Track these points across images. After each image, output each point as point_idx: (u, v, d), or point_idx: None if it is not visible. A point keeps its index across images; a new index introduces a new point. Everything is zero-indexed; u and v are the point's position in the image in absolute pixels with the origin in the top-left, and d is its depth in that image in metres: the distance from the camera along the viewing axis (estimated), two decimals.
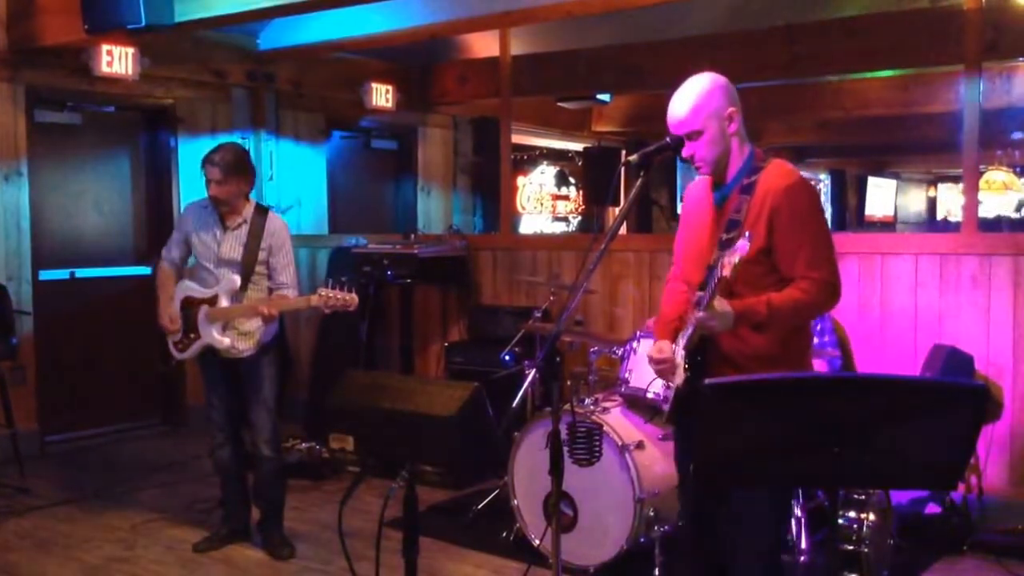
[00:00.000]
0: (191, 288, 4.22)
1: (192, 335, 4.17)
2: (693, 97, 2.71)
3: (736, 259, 2.37)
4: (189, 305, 4.18)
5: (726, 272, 2.40)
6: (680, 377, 2.75)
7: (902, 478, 2.27)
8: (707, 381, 2.15)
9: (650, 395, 3.95)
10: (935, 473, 2.15)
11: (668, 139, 2.73)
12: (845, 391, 2.09)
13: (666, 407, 2.87)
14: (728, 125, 2.72)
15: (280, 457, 4.35)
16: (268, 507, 4.30)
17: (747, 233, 2.39)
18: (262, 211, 4.20)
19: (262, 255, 4.12)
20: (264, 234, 4.12)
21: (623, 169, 3.05)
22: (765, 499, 2.71)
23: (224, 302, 4.11)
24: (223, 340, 4.11)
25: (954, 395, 2.05)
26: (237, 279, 4.11)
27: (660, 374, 2.85)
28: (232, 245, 4.14)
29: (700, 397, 2.17)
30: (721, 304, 2.54)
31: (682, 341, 2.76)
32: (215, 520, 4.50)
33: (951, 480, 2.18)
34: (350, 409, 3.35)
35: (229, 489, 4.36)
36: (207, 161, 4.07)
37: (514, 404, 4.31)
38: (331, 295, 3.94)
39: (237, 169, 4.08)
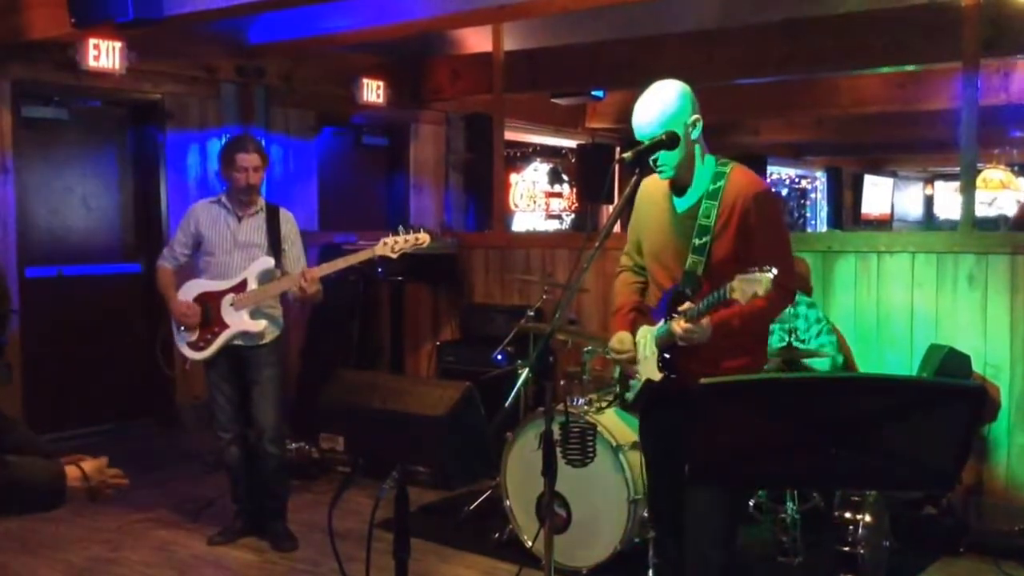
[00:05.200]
0: (203, 284, 4.20)
1: (215, 329, 4.14)
2: (659, 104, 2.78)
3: (758, 291, 2.42)
4: (205, 301, 4.16)
5: (741, 300, 2.47)
6: (655, 374, 2.84)
7: (898, 480, 2.27)
8: (703, 381, 2.15)
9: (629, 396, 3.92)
10: (932, 475, 2.14)
11: (663, 135, 2.75)
12: (841, 391, 2.08)
13: (629, 395, 2.99)
14: (691, 131, 2.79)
15: (283, 453, 4.39)
16: (272, 502, 4.33)
17: (771, 269, 2.43)
18: (272, 205, 4.33)
19: (282, 243, 4.21)
20: (281, 221, 4.23)
21: (617, 166, 3.07)
22: (717, 500, 2.75)
23: (253, 284, 4.12)
24: (258, 324, 4.12)
25: (951, 396, 2.04)
26: (271, 259, 4.14)
27: (623, 365, 2.98)
28: (250, 230, 4.20)
29: (696, 397, 2.16)
30: (705, 320, 2.65)
31: (650, 335, 2.86)
32: (227, 515, 4.48)
33: (948, 482, 2.19)
34: (340, 409, 3.31)
35: (240, 486, 4.37)
36: (241, 149, 4.15)
37: (507, 404, 4.27)
38: (397, 240, 3.98)
39: (265, 159, 4.24)
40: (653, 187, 2.95)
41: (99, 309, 6.31)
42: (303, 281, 4.01)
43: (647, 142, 2.77)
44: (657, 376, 2.83)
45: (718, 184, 2.77)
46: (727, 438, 2.13)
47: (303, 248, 4.34)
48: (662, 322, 2.83)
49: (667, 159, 2.78)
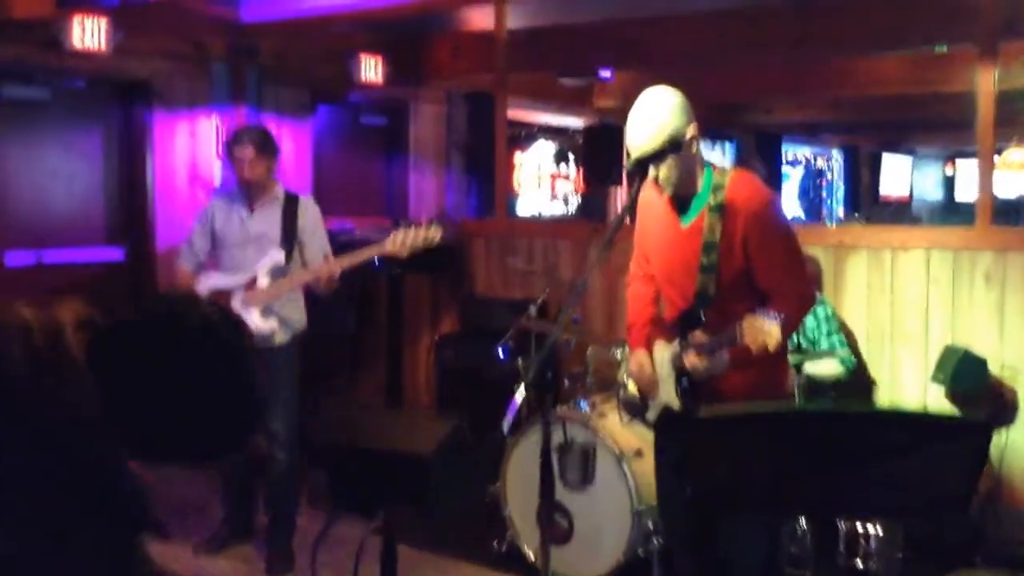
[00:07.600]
0: (217, 279, 4.01)
1: None
2: (657, 118, 2.63)
3: (768, 343, 2.44)
4: (216, 297, 3.94)
5: (752, 347, 2.44)
6: (675, 401, 2.83)
7: (905, 509, 2.31)
8: (703, 413, 2.18)
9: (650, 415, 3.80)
10: (939, 505, 2.11)
11: (666, 144, 2.67)
12: (846, 425, 2.03)
13: (650, 414, 2.99)
14: (691, 143, 2.68)
15: (294, 460, 4.08)
16: (276, 515, 4.07)
17: (780, 314, 2.43)
18: (292, 194, 4.12)
19: (300, 234, 3.98)
20: (299, 211, 4.01)
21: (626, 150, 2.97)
22: (756, 524, 2.80)
23: (264, 281, 3.90)
24: (266, 325, 3.90)
25: (959, 431, 2.02)
26: (281, 254, 3.91)
27: (643, 390, 2.99)
28: (263, 221, 3.99)
29: (696, 425, 2.15)
30: (721, 355, 2.66)
31: (667, 353, 2.84)
32: (214, 521, 4.29)
33: (956, 508, 2.15)
34: (324, 445, 3.18)
35: (232, 490, 4.21)
36: (235, 142, 3.99)
37: (506, 432, 4.11)
38: (408, 235, 3.80)
39: (266, 148, 4.02)
40: (655, 196, 2.85)
41: (83, 296, 6.09)
42: (321, 282, 3.87)
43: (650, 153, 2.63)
44: (676, 404, 2.81)
45: (719, 197, 2.69)
46: (728, 469, 2.08)
47: (326, 239, 4.14)
48: (677, 342, 2.80)
49: (667, 177, 2.69)
